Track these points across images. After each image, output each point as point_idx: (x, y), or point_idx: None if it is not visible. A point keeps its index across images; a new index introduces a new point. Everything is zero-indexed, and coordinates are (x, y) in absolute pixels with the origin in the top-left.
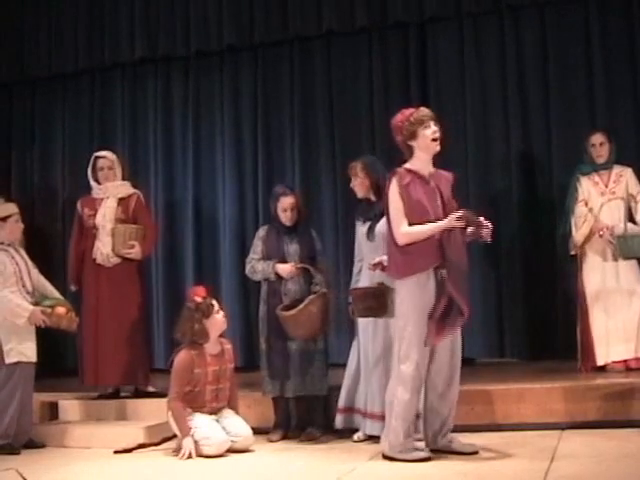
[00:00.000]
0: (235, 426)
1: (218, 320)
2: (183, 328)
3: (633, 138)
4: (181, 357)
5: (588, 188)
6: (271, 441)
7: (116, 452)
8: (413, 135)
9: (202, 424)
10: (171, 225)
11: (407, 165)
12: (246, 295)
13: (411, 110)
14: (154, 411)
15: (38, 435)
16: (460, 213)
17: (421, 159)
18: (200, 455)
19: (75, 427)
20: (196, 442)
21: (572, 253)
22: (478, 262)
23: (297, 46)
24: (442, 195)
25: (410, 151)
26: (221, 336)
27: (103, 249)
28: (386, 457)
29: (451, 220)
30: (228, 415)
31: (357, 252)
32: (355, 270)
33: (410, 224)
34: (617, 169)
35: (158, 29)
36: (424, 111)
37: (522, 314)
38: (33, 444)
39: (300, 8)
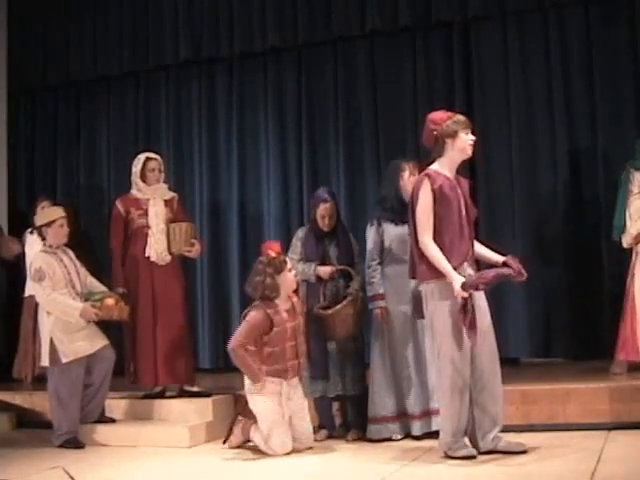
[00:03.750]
0: (299, 424)
1: (289, 277)
2: (255, 281)
3: None
4: (258, 314)
5: None
6: (316, 440)
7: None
8: (454, 134)
9: (271, 419)
10: (216, 226)
11: (436, 167)
12: None
13: (452, 114)
14: (200, 411)
15: (84, 434)
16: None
17: (452, 160)
18: (251, 447)
19: (121, 426)
20: (259, 435)
21: (625, 246)
22: (524, 261)
23: (340, 46)
24: (466, 201)
25: (442, 149)
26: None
27: (158, 247)
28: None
29: (460, 283)
30: (297, 404)
31: (376, 254)
32: (377, 275)
33: (439, 228)
34: None
35: (202, 31)
36: (467, 119)
37: (568, 313)
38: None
39: (343, 8)
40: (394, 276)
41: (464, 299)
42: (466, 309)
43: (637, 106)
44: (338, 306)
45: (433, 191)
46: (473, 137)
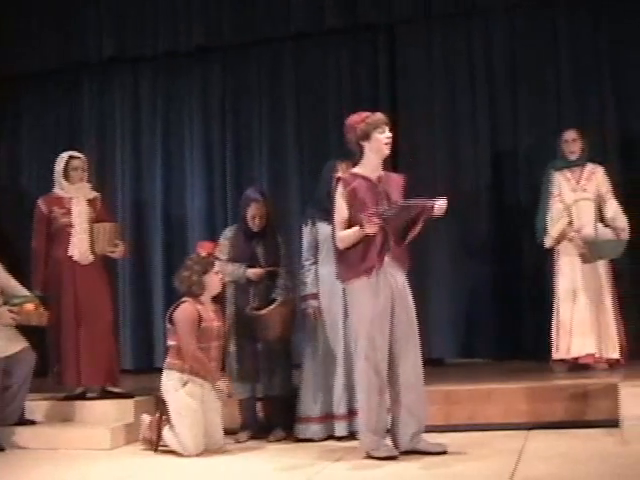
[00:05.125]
0: (212, 427)
1: (214, 279)
2: (182, 276)
3: (599, 138)
4: (187, 309)
5: (560, 183)
6: (238, 442)
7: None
8: (366, 136)
9: (185, 423)
10: (139, 226)
11: (355, 169)
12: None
13: (367, 113)
14: (121, 412)
15: (3, 437)
16: (362, 216)
17: (371, 161)
18: (169, 450)
19: (41, 428)
20: (174, 436)
21: (547, 247)
22: (448, 262)
23: (266, 47)
24: (389, 198)
25: (361, 151)
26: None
27: (81, 247)
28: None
29: (365, 227)
30: (212, 408)
31: (311, 254)
32: (310, 275)
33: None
34: (590, 167)
35: (126, 29)
36: (379, 115)
37: (491, 314)
38: None
39: (269, 8)
40: (328, 276)
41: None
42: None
43: (558, 108)
44: (271, 307)
45: (345, 194)
46: (389, 135)
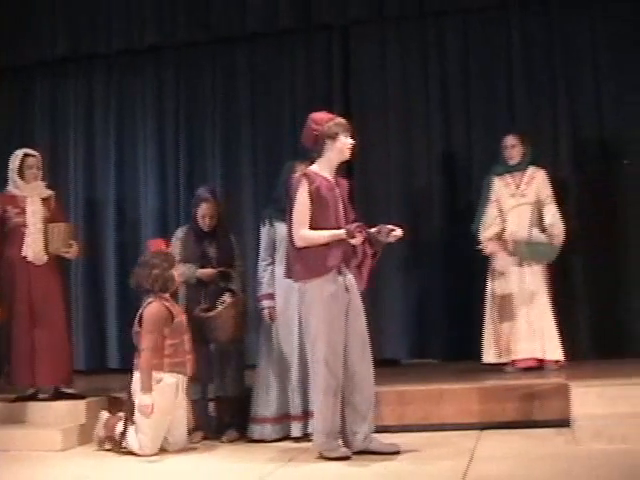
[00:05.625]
0: (177, 427)
1: (177, 275)
2: (154, 274)
3: (551, 140)
4: (156, 309)
5: (500, 189)
6: (191, 443)
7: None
8: (334, 135)
9: (149, 424)
10: (91, 225)
11: (315, 168)
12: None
13: (333, 115)
14: (73, 413)
15: None
16: (353, 227)
17: (330, 161)
18: (124, 447)
19: None
20: (135, 435)
21: (477, 249)
22: (399, 263)
23: (220, 47)
24: (344, 202)
25: (321, 150)
26: None
27: (35, 247)
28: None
29: (347, 234)
30: (180, 408)
31: (268, 254)
32: (266, 275)
33: (314, 228)
34: (531, 171)
35: (80, 27)
36: (347, 122)
37: (443, 315)
38: None
39: (224, 8)
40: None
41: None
42: (356, 253)
43: (511, 111)
44: (221, 307)
45: (310, 191)
46: (352, 141)
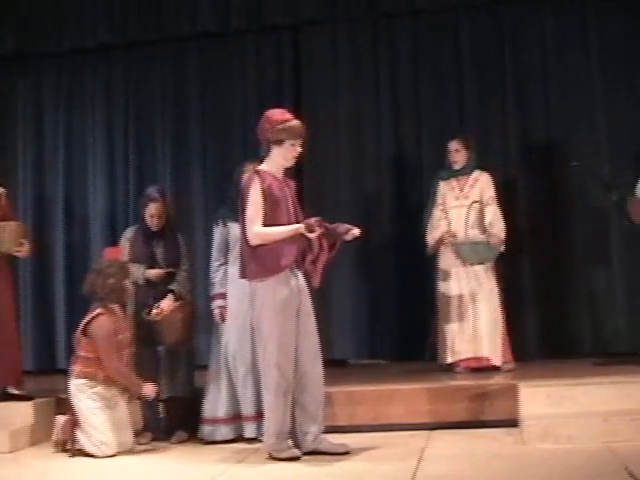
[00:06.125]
0: (121, 428)
1: (129, 286)
2: (109, 284)
3: (500, 142)
4: (105, 323)
5: (445, 192)
6: (141, 443)
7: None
8: (280, 142)
9: (96, 422)
10: (41, 223)
11: (265, 167)
12: None
13: (289, 116)
14: (21, 414)
15: None
16: (313, 221)
17: (276, 163)
18: (80, 449)
19: None
20: (86, 437)
21: (428, 254)
22: (349, 264)
23: (171, 46)
24: (293, 201)
25: (267, 150)
26: None
27: None
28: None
29: (303, 228)
30: (121, 412)
31: (221, 254)
32: (218, 275)
33: (267, 227)
34: (475, 174)
35: (29, 24)
36: (298, 127)
37: (393, 315)
38: None
39: (175, 7)
40: (237, 275)
41: (309, 239)
42: (311, 247)
43: (460, 113)
44: (154, 312)
45: (263, 190)
46: (299, 150)
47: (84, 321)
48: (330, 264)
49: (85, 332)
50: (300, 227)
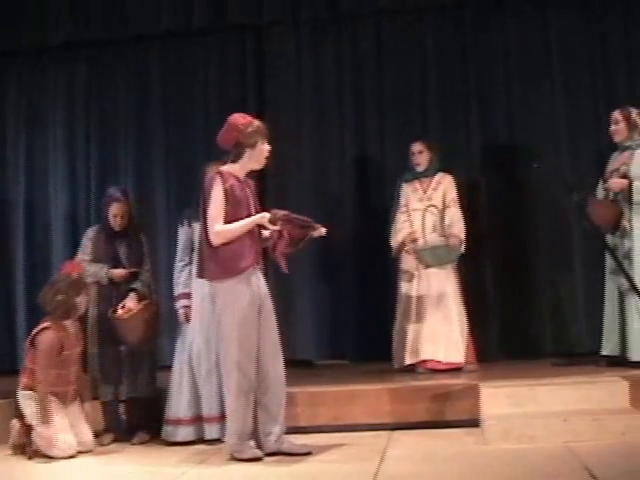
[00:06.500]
0: (80, 431)
1: (83, 301)
2: (52, 298)
3: (463, 144)
4: (49, 338)
5: (408, 194)
6: (102, 445)
7: None
8: (254, 144)
9: (54, 424)
10: (2, 226)
11: (228, 168)
12: None
13: (252, 118)
14: None
15: None
16: (280, 214)
17: (246, 167)
18: (37, 451)
19: None
20: (42, 439)
21: (392, 257)
22: (314, 264)
23: (134, 45)
24: (254, 202)
25: (239, 155)
26: None
27: None
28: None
29: (266, 219)
30: (76, 415)
31: (185, 254)
32: (183, 275)
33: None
34: (438, 176)
35: None
36: (265, 126)
37: (355, 316)
38: None
39: (138, 6)
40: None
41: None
42: (279, 236)
43: (423, 116)
44: (135, 310)
45: (225, 190)
46: (269, 147)
47: (33, 332)
48: (291, 266)
49: (32, 343)
50: (264, 216)
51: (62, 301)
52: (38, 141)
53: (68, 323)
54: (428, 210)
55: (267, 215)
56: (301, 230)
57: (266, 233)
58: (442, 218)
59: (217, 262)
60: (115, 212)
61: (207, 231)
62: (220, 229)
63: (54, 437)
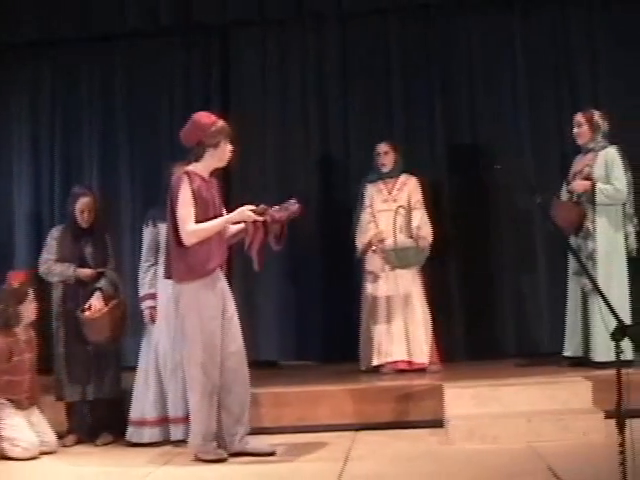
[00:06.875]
0: (42, 430)
1: (29, 308)
2: None
3: (427, 146)
4: None
5: (372, 195)
6: (65, 446)
7: None
8: (216, 144)
9: (12, 423)
10: None
11: (192, 168)
12: (41, 295)
13: (216, 118)
14: None
15: None
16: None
17: (209, 166)
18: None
19: None
20: (3, 440)
21: (358, 258)
22: (276, 265)
23: (99, 43)
24: (218, 201)
25: (201, 154)
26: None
27: None
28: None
29: (243, 212)
30: (35, 416)
31: (151, 255)
32: (148, 276)
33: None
34: (403, 178)
35: None
36: (228, 127)
37: (320, 316)
38: None
39: (104, 5)
40: None
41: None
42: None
43: (389, 117)
44: (104, 309)
45: (192, 190)
46: (231, 147)
47: None
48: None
49: None
50: (244, 210)
51: (3, 310)
52: (1, 140)
53: (19, 330)
54: (398, 211)
55: (248, 207)
56: (284, 213)
57: (233, 229)
58: (409, 220)
59: (186, 263)
60: (82, 207)
61: (176, 232)
62: (194, 228)
63: (16, 438)
